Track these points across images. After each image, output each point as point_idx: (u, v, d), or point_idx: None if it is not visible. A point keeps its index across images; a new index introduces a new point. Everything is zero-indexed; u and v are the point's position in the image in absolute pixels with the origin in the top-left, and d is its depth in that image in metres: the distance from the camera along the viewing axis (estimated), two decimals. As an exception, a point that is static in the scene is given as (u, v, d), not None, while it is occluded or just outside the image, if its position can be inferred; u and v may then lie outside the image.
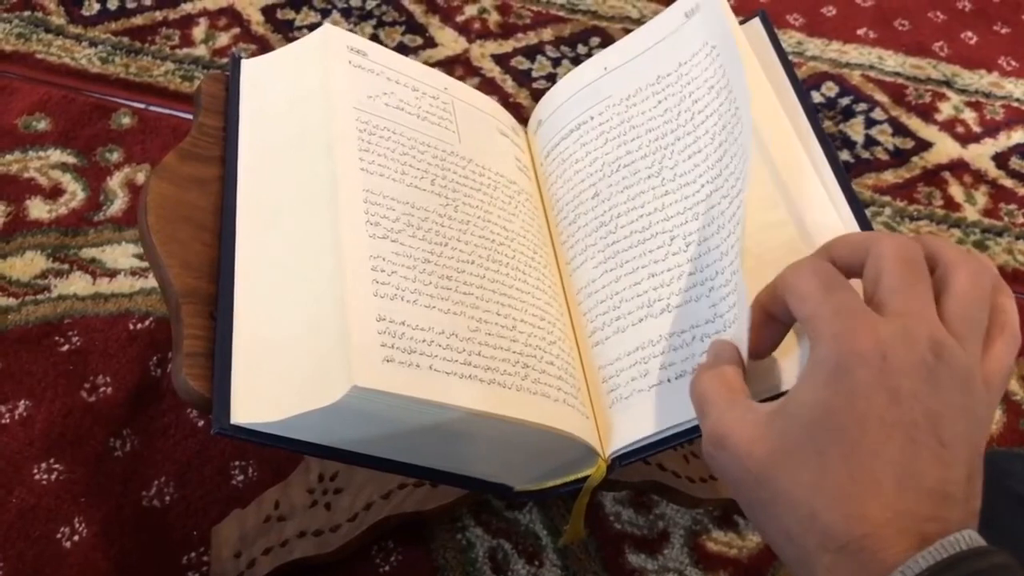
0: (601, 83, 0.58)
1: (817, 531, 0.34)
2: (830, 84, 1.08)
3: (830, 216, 0.47)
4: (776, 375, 0.43)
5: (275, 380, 0.44)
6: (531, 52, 1.08)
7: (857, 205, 0.48)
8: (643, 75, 0.56)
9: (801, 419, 0.35)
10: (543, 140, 0.60)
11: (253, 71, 0.57)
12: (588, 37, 1.10)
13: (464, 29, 1.10)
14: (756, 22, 0.57)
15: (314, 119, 0.52)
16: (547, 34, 1.10)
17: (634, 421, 0.47)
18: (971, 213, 0.97)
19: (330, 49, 0.55)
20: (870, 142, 1.02)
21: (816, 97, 1.06)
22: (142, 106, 0.97)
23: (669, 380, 0.47)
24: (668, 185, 0.52)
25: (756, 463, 0.36)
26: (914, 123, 1.04)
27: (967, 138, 1.03)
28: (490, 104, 0.61)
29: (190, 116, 0.96)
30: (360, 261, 0.45)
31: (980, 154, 1.02)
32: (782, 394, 0.40)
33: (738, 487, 0.37)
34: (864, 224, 0.47)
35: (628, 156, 0.54)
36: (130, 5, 1.07)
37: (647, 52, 0.57)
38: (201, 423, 0.74)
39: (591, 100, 0.58)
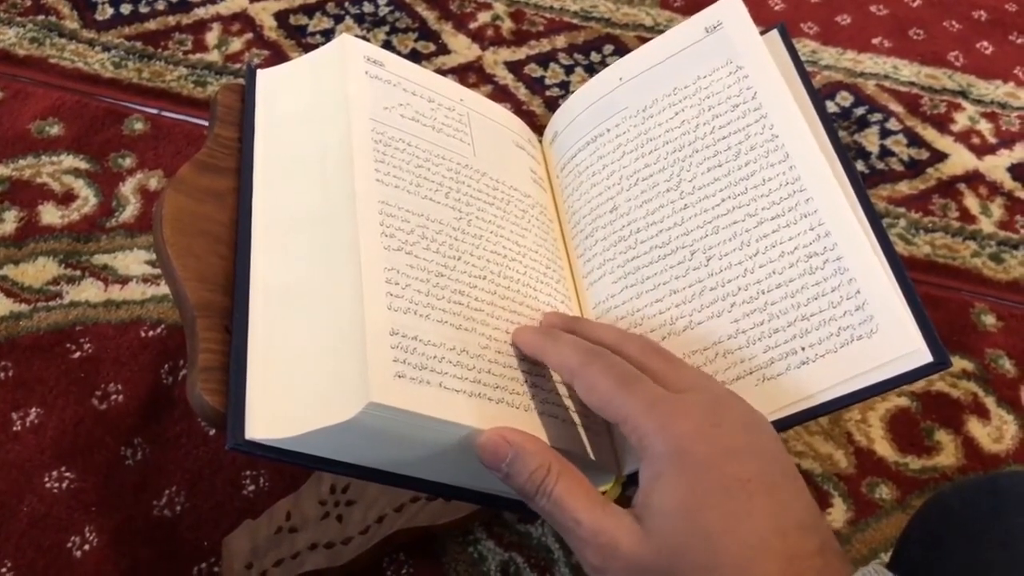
0: (617, 94, 0.57)
1: None
2: (845, 94, 1.07)
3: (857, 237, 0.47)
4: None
5: (290, 395, 0.43)
6: (544, 60, 1.08)
7: (874, 217, 0.47)
8: (659, 86, 0.56)
9: (673, 512, 0.36)
10: (559, 152, 0.59)
11: (269, 81, 0.56)
12: (602, 45, 1.09)
13: (477, 36, 1.10)
14: (775, 33, 0.56)
15: (330, 130, 0.52)
16: (560, 41, 1.10)
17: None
18: (987, 225, 0.96)
19: (347, 59, 0.55)
20: (885, 152, 1.01)
21: (831, 107, 1.05)
22: (155, 111, 0.97)
23: None
24: (687, 198, 0.51)
25: (649, 565, 0.36)
26: (929, 134, 1.03)
27: (983, 149, 1.03)
28: (506, 116, 0.61)
29: (203, 122, 0.97)
30: (375, 273, 0.45)
31: (996, 165, 1.01)
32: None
33: None
34: (882, 236, 0.47)
35: (646, 169, 0.53)
36: (143, 10, 1.07)
37: (663, 63, 0.56)
38: (213, 432, 0.73)
39: (607, 112, 0.57)
